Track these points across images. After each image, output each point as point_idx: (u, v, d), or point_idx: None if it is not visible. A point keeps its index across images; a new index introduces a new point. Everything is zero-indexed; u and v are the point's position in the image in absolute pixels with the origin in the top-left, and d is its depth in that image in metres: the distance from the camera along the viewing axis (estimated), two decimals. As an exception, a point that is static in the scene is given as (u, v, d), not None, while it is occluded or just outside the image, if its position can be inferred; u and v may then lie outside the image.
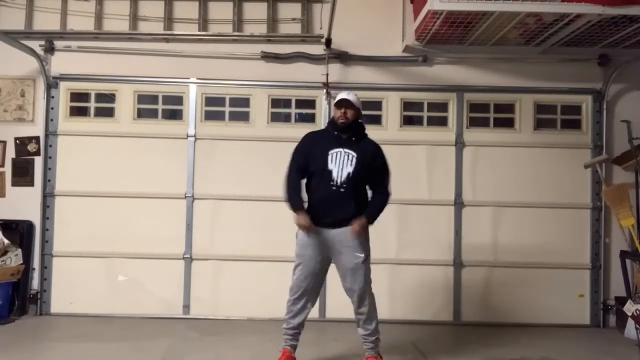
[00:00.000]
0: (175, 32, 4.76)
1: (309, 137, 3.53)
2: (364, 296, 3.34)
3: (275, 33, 4.78)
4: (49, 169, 4.69)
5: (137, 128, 4.74)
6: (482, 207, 4.71)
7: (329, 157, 3.33)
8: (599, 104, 4.74)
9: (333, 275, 4.64)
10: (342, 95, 3.38)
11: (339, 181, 3.29)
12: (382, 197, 3.41)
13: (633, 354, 3.93)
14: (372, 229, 4.70)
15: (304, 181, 3.46)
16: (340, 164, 3.31)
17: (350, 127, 3.38)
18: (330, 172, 3.30)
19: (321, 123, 4.70)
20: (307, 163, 3.40)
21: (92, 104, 4.81)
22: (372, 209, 3.37)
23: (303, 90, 4.76)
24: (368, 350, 3.41)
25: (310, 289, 3.39)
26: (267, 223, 4.66)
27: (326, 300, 4.61)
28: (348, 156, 3.33)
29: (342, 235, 3.29)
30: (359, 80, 4.75)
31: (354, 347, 3.82)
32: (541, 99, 4.80)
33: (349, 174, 3.30)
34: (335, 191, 3.29)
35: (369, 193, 3.46)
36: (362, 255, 3.31)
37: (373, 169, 3.38)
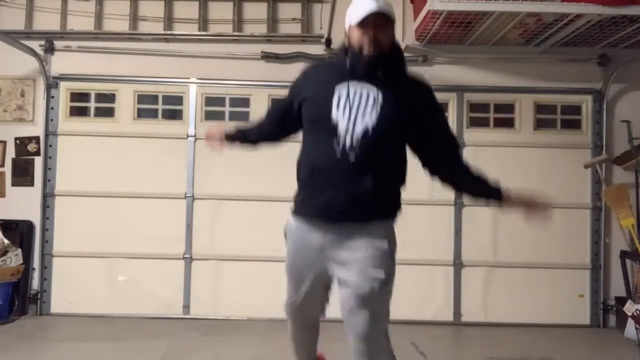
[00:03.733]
0: (175, 32, 4.76)
1: (308, 72, 2.23)
2: (374, 345, 2.07)
3: (275, 33, 4.77)
4: (49, 169, 4.68)
5: (137, 128, 4.73)
6: (482, 207, 4.70)
7: (334, 100, 1.98)
8: (599, 104, 4.73)
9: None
10: (370, 3, 1.91)
11: (348, 142, 1.95)
12: (474, 168, 2.13)
13: (633, 354, 3.93)
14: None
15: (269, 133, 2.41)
16: (353, 111, 1.97)
17: (384, 62, 1.99)
18: (334, 126, 1.97)
19: (321, 123, 4.70)
20: (292, 111, 2.18)
21: (92, 104, 4.80)
22: (489, 181, 2.12)
23: (303, 90, 4.75)
24: None
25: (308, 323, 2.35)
26: (267, 223, 4.65)
27: (326, 300, 4.61)
28: (368, 98, 1.98)
29: (347, 241, 2.06)
30: (359, 80, 4.75)
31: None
32: (541, 99, 4.80)
33: (366, 129, 1.96)
34: (341, 160, 1.97)
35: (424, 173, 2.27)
36: (383, 274, 2.08)
37: (421, 127, 2.07)
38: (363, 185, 1.99)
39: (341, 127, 1.97)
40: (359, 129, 1.96)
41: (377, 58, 1.96)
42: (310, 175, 2.08)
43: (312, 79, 2.16)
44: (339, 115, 1.97)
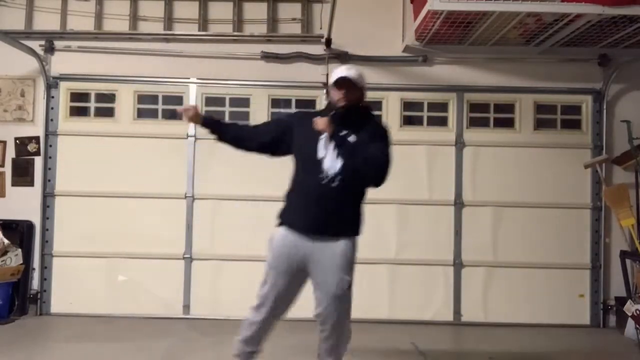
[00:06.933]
0: (175, 32, 4.76)
1: (299, 115, 2.99)
2: (341, 329, 2.79)
3: (275, 33, 4.77)
4: (49, 169, 4.68)
5: (137, 128, 4.73)
6: (482, 207, 4.71)
7: (320, 144, 2.66)
8: (599, 104, 4.73)
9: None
10: (341, 72, 2.74)
11: (330, 173, 2.63)
12: (376, 153, 2.65)
13: (633, 354, 3.93)
14: (372, 228, 4.72)
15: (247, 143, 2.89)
16: (334, 150, 2.65)
17: (353, 112, 2.74)
18: (319, 161, 2.64)
19: (321, 123, 4.70)
20: (280, 136, 2.81)
21: (92, 104, 4.80)
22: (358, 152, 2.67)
23: (303, 90, 4.75)
24: None
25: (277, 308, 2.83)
26: (267, 223, 4.63)
27: (326, 300, 4.61)
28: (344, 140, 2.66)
29: (327, 251, 2.68)
30: (359, 80, 4.75)
31: (354, 347, 3.82)
32: (541, 99, 4.80)
33: (344, 165, 2.64)
34: (325, 186, 2.63)
35: None
36: (350, 278, 2.72)
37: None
38: (342, 206, 2.68)
39: (325, 162, 2.64)
40: (338, 165, 2.63)
41: (347, 108, 2.70)
42: (301, 196, 2.73)
43: (304, 122, 2.76)
44: (323, 153, 2.65)
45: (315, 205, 2.65)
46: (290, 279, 2.73)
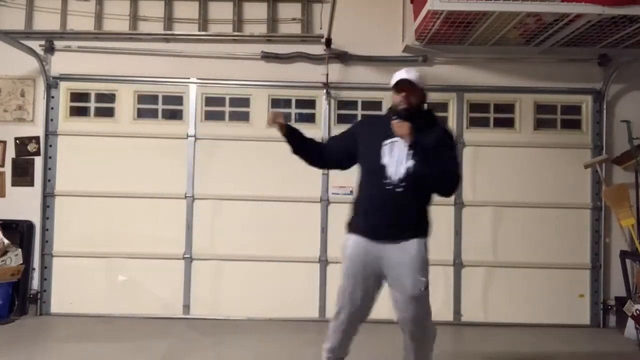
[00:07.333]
0: (175, 32, 4.76)
1: (363, 123, 3.13)
2: (422, 327, 2.89)
3: (275, 33, 4.77)
4: (49, 169, 4.69)
5: (137, 128, 4.73)
6: (482, 207, 4.70)
7: (383, 149, 2.71)
8: (599, 104, 4.73)
9: (331, 275, 4.65)
10: (401, 74, 2.75)
11: (395, 178, 2.66)
12: (451, 173, 2.74)
13: (633, 354, 3.93)
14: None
15: (322, 155, 2.95)
16: (398, 157, 2.68)
17: (416, 114, 2.75)
18: (383, 167, 2.68)
19: (321, 123, 4.70)
20: (347, 148, 2.87)
21: (92, 104, 4.81)
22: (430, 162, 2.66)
23: (303, 90, 4.75)
24: None
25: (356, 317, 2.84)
26: (267, 223, 4.66)
27: (326, 300, 4.61)
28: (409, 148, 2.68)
29: (400, 253, 2.73)
30: (359, 80, 4.75)
31: (353, 347, 3.82)
32: (541, 99, 4.80)
33: (408, 169, 2.66)
34: (390, 191, 2.67)
35: None
36: (426, 279, 2.79)
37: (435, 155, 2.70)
38: (408, 210, 2.71)
39: (390, 168, 2.67)
40: (402, 170, 2.66)
41: (408, 110, 2.71)
42: (367, 202, 2.75)
43: (367, 129, 2.88)
44: (387, 159, 2.69)
45: (381, 211, 2.70)
46: (367, 283, 2.75)
